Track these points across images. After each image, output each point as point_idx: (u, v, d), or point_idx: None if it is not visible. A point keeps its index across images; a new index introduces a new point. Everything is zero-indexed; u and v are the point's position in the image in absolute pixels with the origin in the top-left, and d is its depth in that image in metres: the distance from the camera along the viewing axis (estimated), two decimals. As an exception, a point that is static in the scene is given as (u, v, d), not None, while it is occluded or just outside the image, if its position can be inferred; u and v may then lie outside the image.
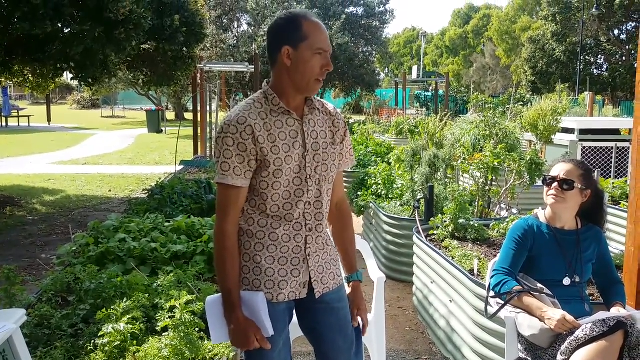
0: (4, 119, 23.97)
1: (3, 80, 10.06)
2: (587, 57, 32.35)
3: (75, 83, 32.25)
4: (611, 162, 8.34)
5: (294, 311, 2.16)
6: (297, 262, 2.05)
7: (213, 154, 1.98)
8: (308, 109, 2.02)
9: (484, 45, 55.60)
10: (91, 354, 2.41)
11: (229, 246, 1.94)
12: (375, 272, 3.20)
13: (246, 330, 1.90)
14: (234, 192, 1.92)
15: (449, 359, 3.64)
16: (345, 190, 7.66)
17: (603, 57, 33.35)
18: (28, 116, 25.13)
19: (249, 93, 24.10)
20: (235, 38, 27.20)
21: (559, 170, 2.67)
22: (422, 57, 58.05)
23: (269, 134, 1.93)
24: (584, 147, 8.53)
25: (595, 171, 3.57)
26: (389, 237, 5.20)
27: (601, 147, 8.49)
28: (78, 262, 3.58)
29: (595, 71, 33.37)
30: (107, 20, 6.61)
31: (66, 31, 6.93)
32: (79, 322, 2.75)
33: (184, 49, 9.61)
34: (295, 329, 2.55)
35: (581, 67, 29.35)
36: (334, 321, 2.13)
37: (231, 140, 1.88)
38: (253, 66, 12.56)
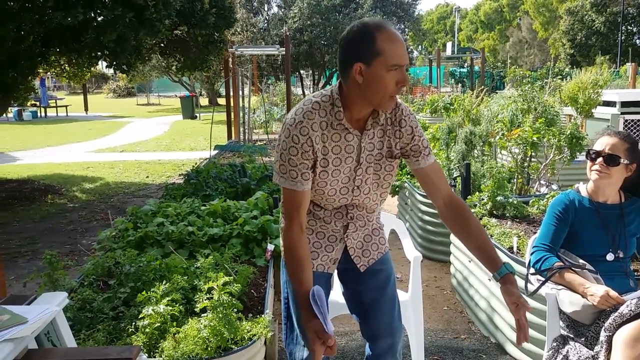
0: (42, 109, 24.55)
1: (41, 71, 10.28)
2: (629, 27, 31.22)
3: (110, 72, 32.86)
4: (655, 135, 8.05)
5: (340, 282, 2.22)
6: (334, 239, 2.09)
7: (277, 153, 1.92)
8: (371, 124, 1.93)
9: (520, 19, 54.27)
10: (132, 336, 2.45)
11: (296, 248, 1.89)
12: (411, 251, 3.17)
13: (308, 331, 1.79)
14: (304, 196, 1.91)
15: (488, 337, 3.60)
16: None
17: (646, 26, 32.14)
18: (66, 106, 25.67)
19: (280, 76, 24.11)
20: (265, 21, 27.18)
21: (604, 144, 2.56)
22: (456, 33, 57.01)
23: (324, 146, 1.89)
24: (626, 120, 8.24)
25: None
26: (425, 217, 5.15)
27: (644, 120, 8.20)
28: (118, 247, 3.64)
29: (637, 41, 32.19)
30: (137, 5, 6.67)
31: (99, 19, 7.03)
32: (120, 305, 2.80)
33: (215, 33, 9.65)
34: (335, 308, 2.55)
35: (622, 37, 28.34)
36: (373, 281, 2.15)
37: (295, 150, 1.85)
38: (284, 48, 12.52)
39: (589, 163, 2.61)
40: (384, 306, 2.16)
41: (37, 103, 24.18)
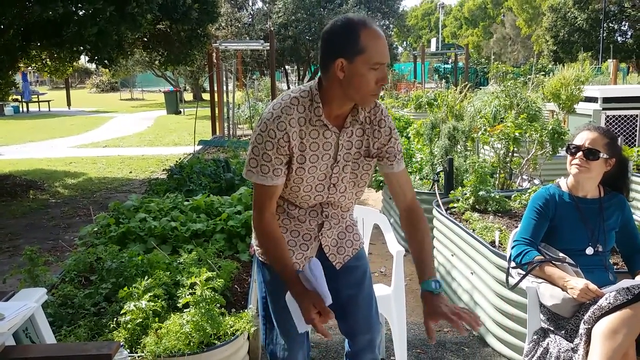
0: (24, 104, 24.24)
1: (22, 65, 10.15)
2: (610, 24, 31.49)
3: (93, 67, 32.52)
4: (636, 131, 8.15)
5: None
6: (308, 237, 2.07)
7: (250, 146, 1.87)
8: (350, 121, 1.92)
9: (503, 16, 54.59)
10: (114, 332, 2.44)
11: (270, 231, 1.90)
12: (394, 245, 3.18)
13: (303, 302, 1.79)
14: (274, 189, 1.90)
15: (470, 330, 3.63)
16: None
17: (627, 23, 32.43)
18: (48, 101, 25.38)
19: (265, 71, 24.03)
20: (250, 16, 27.06)
21: (584, 138, 2.59)
22: (440, 29, 57.20)
23: (301, 142, 1.87)
24: (608, 116, 8.33)
25: (619, 138, 3.50)
26: (408, 211, 5.16)
27: (625, 116, 8.30)
28: (100, 242, 3.61)
29: (619, 38, 32.48)
30: (118, -1, 6.62)
31: (80, 13, 6.94)
32: (102, 301, 2.78)
33: (198, 28, 9.59)
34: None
35: (604, 34, 28.61)
36: (349, 278, 2.15)
37: (270, 145, 1.82)
38: (269, 44, 12.47)
39: (569, 157, 2.63)
40: (362, 302, 2.15)
41: (19, 98, 23.88)
